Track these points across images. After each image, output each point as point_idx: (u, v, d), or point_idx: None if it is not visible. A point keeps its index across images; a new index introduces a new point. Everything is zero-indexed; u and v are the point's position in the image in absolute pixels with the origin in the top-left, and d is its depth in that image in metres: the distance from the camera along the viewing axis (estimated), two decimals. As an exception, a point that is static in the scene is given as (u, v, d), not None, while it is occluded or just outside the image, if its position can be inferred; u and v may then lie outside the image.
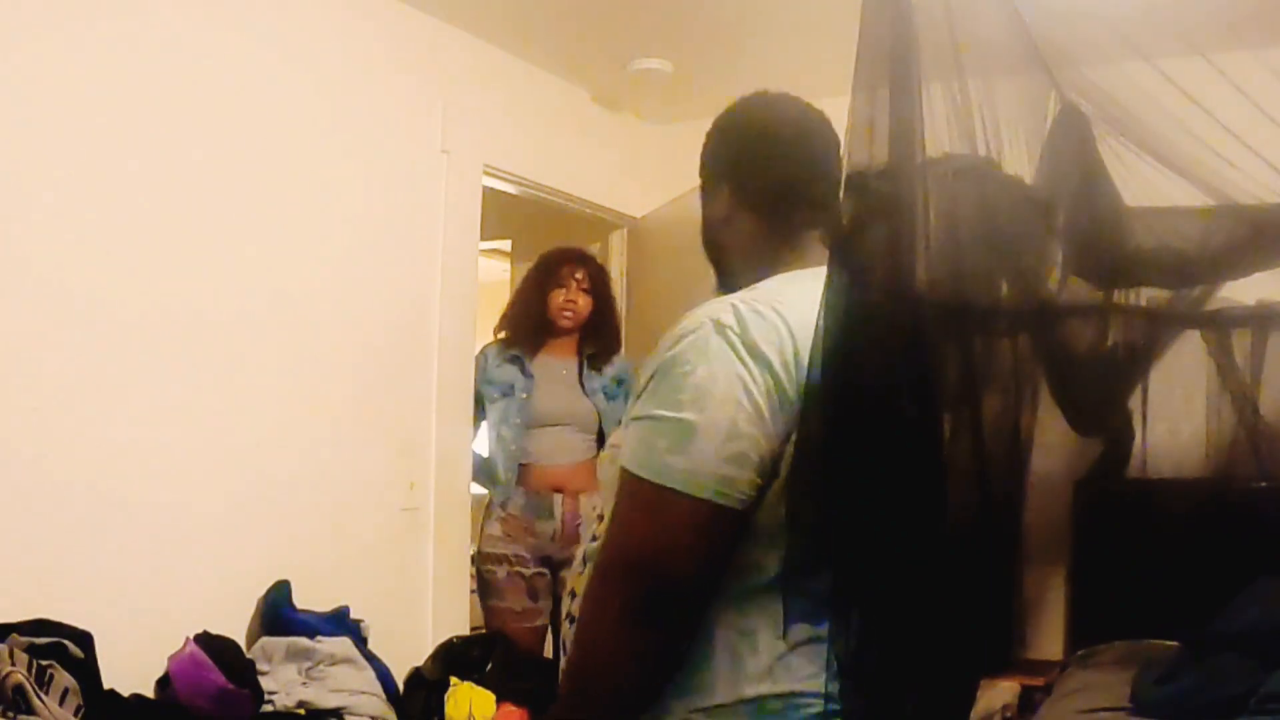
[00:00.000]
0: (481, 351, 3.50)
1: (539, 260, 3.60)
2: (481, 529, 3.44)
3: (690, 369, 1.10)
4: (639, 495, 1.11)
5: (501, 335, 3.56)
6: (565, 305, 3.47)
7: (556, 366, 3.50)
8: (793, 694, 1.13)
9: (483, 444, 3.53)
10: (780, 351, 1.10)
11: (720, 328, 1.11)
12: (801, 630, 1.13)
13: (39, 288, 2.29)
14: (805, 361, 1.09)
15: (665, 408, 1.10)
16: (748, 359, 1.09)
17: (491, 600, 3.39)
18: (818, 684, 1.13)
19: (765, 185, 1.32)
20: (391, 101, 3.16)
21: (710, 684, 1.14)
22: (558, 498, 3.39)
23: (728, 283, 1.35)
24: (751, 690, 1.13)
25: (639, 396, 1.15)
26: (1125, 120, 1.57)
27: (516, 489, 3.40)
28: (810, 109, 1.36)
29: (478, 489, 3.54)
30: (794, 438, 1.09)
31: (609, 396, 3.47)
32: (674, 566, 1.08)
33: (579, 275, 3.50)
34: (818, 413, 1.05)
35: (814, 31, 3.18)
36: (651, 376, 1.14)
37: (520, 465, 3.41)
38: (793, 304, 1.13)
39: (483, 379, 3.45)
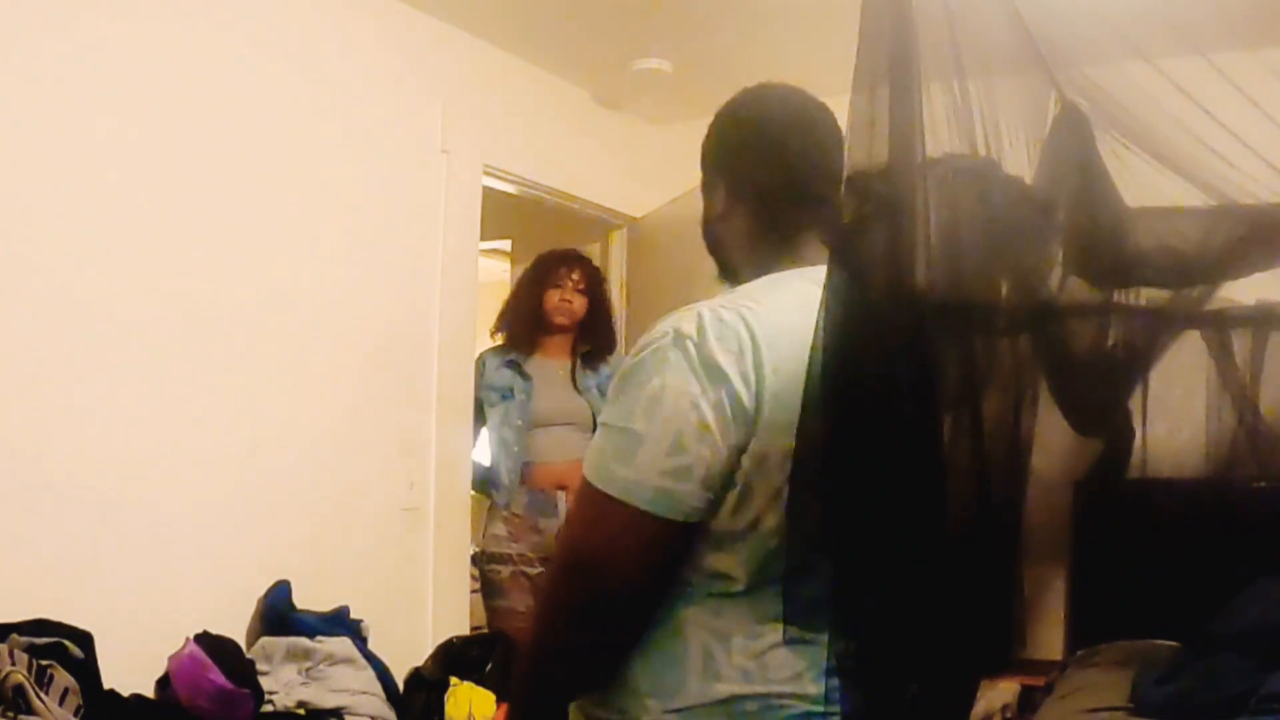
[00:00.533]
0: (479, 358, 3.51)
1: (535, 261, 3.64)
2: (485, 529, 3.46)
3: (645, 380, 1.11)
4: (587, 500, 1.14)
5: (498, 339, 3.59)
6: (560, 304, 3.51)
7: (552, 367, 3.53)
8: (769, 695, 1.13)
9: (481, 454, 3.54)
10: (739, 362, 1.10)
11: (679, 339, 1.12)
12: (781, 631, 1.13)
13: (39, 288, 2.29)
14: (770, 369, 1.10)
15: (619, 418, 1.12)
16: (701, 372, 1.10)
17: (496, 600, 3.40)
18: (797, 686, 1.13)
19: (759, 182, 1.32)
20: (391, 101, 3.16)
21: (684, 684, 1.15)
22: (561, 495, 3.42)
23: (730, 277, 1.35)
24: (725, 690, 1.13)
25: (607, 401, 1.17)
26: (1125, 120, 1.57)
27: (521, 488, 3.41)
28: (812, 102, 1.34)
29: (478, 488, 3.54)
30: (752, 448, 1.10)
31: (603, 394, 3.49)
32: (611, 573, 1.11)
33: (575, 276, 3.54)
34: (818, 412, 1.05)
35: (814, 31, 3.18)
36: (616, 385, 1.16)
37: (523, 464, 3.43)
38: (770, 309, 1.14)
39: (482, 385, 3.47)
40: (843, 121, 1.06)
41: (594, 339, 3.59)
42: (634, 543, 1.10)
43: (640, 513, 1.09)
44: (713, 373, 1.10)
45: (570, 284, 3.53)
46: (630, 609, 1.15)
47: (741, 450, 1.10)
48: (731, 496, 1.11)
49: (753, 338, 1.11)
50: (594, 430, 3.80)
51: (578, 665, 1.19)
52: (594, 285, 3.61)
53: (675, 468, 1.09)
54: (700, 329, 1.11)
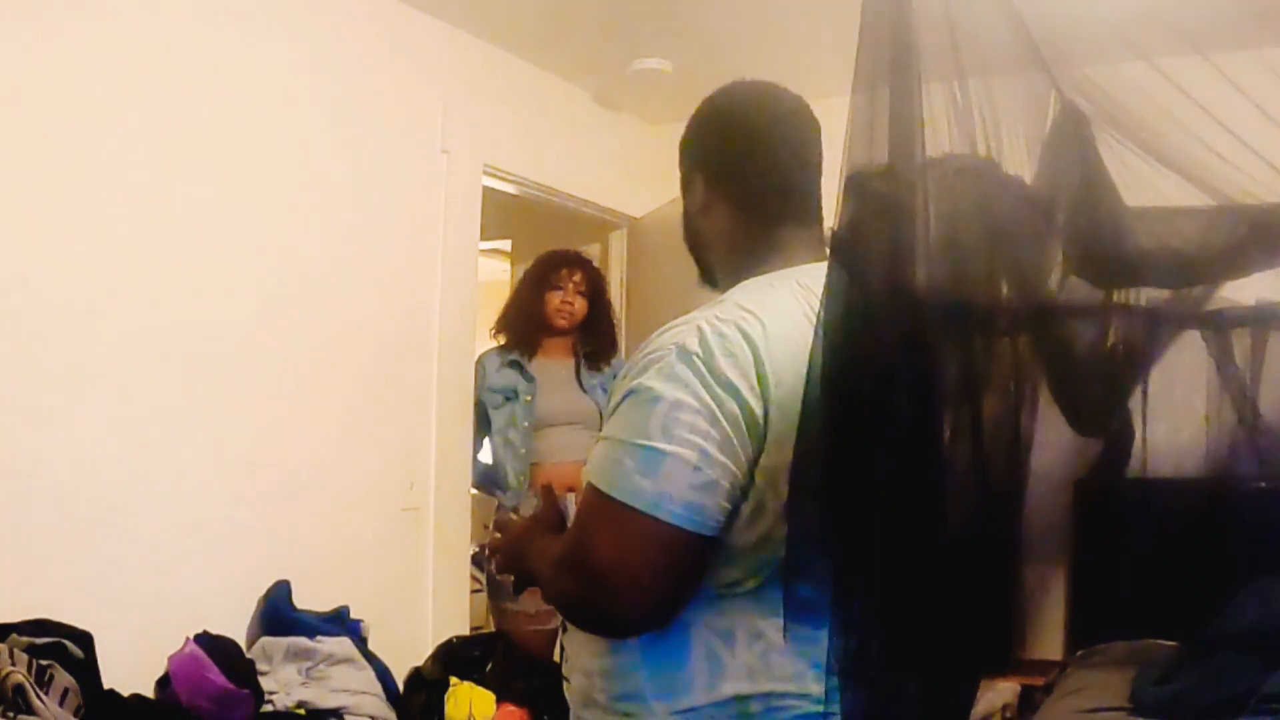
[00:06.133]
0: (479, 360, 3.50)
1: (536, 262, 3.63)
2: (492, 532, 3.44)
3: (657, 396, 1.10)
4: (605, 511, 1.11)
5: (499, 340, 3.58)
6: (561, 306, 3.50)
7: (555, 367, 3.52)
8: (773, 694, 1.13)
9: (485, 452, 3.52)
10: (746, 375, 1.10)
11: (685, 354, 1.11)
12: (784, 630, 1.13)
13: (39, 289, 2.29)
14: (773, 382, 1.10)
15: (634, 434, 1.10)
16: (714, 386, 1.09)
17: (504, 602, 3.39)
18: (799, 685, 1.13)
19: (737, 176, 1.32)
20: (391, 101, 3.16)
21: (689, 684, 1.14)
22: (570, 498, 3.39)
23: (709, 276, 1.35)
24: (731, 689, 1.13)
25: (610, 415, 1.15)
26: (1125, 120, 1.57)
27: (528, 491, 3.40)
28: (787, 97, 1.34)
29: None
30: (763, 461, 1.10)
31: (607, 394, 3.48)
32: (633, 587, 1.09)
33: (576, 278, 3.53)
34: (818, 413, 1.05)
35: (814, 31, 3.18)
36: (622, 400, 1.14)
37: (530, 466, 3.41)
38: (765, 318, 1.13)
39: (483, 387, 3.46)
40: (840, 125, 1.05)
41: (595, 341, 3.57)
42: (659, 555, 1.08)
43: (669, 527, 1.07)
44: (724, 387, 1.09)
45: (571, 286, 3.52)
46: (644, 626, 1.13)
47: (754, 464, 1.10)
48: (745, 510, 1.11)
49: (753, 351, 1.11)
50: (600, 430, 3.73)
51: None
52: (595, 288, 3.60)
53: (703, 482, 1.08)
54: (704, 343, 1.11)
